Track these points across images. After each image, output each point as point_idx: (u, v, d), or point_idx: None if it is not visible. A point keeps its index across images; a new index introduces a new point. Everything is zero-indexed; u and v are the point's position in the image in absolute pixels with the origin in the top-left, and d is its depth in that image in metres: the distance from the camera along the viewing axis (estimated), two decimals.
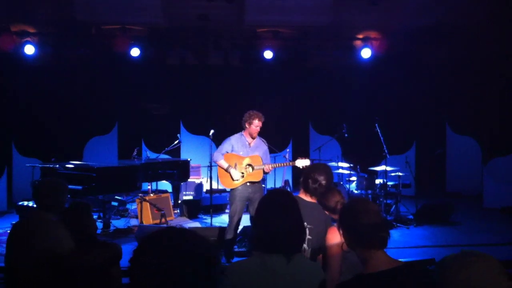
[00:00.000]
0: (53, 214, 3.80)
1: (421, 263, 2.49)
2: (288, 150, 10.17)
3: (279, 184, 10.63)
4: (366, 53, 10.53)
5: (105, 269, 3.79)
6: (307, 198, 3.76)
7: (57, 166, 7.99)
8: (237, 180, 6.37)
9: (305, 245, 3.63)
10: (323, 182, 3.71)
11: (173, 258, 1.50)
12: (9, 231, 3.91)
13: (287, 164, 6.85)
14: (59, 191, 3.87)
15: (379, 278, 2.35)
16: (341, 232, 2.63)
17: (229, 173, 6.39)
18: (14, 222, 4.04)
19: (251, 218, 6.55)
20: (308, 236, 3.62)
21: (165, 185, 10.18)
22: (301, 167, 6.21)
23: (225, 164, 6.40)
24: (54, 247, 3.55)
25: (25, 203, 7.95)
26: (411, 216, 8.82)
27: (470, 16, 8.99)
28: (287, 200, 2.75)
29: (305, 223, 3.60)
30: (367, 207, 2.56)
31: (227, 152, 6.49)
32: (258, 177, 6.48)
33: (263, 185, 9.86)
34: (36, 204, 3.85)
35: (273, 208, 2.66)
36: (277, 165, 6.76)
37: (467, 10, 8.71)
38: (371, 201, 5.72)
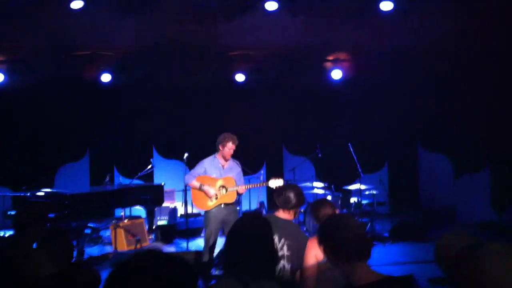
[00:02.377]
0: (32, 240, 3.79)
1: (403, 278, 2.50)
2: (262, 172, 10.17)
3: (254, 205, 10.60)
4: (336, 74, 10.67)
5: None
6: (284, 215, 3.86)
7: (28, 194, 7.84)
8: (213, 196, 6.35)
9: (284, 262, 3.65)
10: (294, 198, 3.90)
11: (149, 282, 1.47)
12: None
13: (261, 184, 6.88)
14: (38, 217, 3.87)
15: None
16: (322, 248, 2.63)
17: (204, 191, 6.36)
18: None
19: None
20: (286, 253, 3.66)
21: (139, 211, 10.05)
22: (274, 188, 6.22)
23: (197, 184, 6.40)
24: (34, 273, 3.51)
25: None
26: (386, 234, 8.87)
27: (440, 38, 9.19)
28: (258, 225, 2.76)
29: (283, 239, 3.66)
30: (346, 221, 2.58)
31: (199, 175, 6.48)
32: (232, 199, 6.48)
33: (238, 208, 9.87)
34: (15, 230, 3.83)
35: (244, 233, 2.68)
36: (251, 185, 6.78)
37: (437, 32, 8.90)
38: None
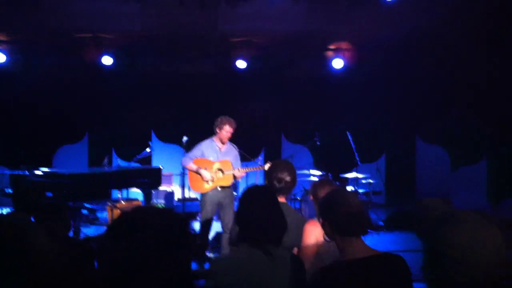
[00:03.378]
0: (30, 215, 3.81)
1: (394, 256, 2.57)
2: (260, 158, 10.18)
3: None
4: (337, 63, 10.68)
5: (81, 270, 3.76)
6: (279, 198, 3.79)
7: (27, 173, 7.86)
8: (209, 180, 6.38)
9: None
10: (287, 178, 3.68)
11: (145, 232, 1.47)
12: None
13: (258, 168, 6.87)
14: (36, 191, 3.90)
15: (356, 265, 2.41)
16: (320, 222, 2.68)
17: (200, 174, 6.41)
18: None
19: (222, 224, 6.57)
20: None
21: (136, 193, 10.08)
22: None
23: (193, 167, 6.44)
24: (31, 247, 3.53)
25: None
26: (381, 223, 8.93)
27: (440, 29, 9.20)
28: (266, 194, 2.84)
29: None
30: (345, 197, 2.64)
31: (196, 157, 6.52)
32: (228, 182, 6.52)
33: (235, 193, 9.93)
34: (13, 205, 3.85)
35: (254, 202, 2.76)
36: (247, 169, 6.80)
37: (438, 23, 8.89)
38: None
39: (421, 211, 2.67)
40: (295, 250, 3.59)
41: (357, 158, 8.80)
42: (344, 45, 10.84)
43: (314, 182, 4.12)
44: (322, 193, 3.80)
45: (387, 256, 2.55)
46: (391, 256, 2.58)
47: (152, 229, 1.48)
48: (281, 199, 3.69)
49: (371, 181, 9.07)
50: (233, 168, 6.51)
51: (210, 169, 6.45)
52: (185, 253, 1.53)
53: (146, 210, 1.62)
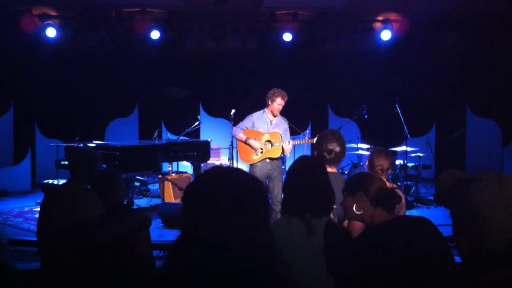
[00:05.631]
0: (86, 183, 3.92)
1: (418, 217, 2.68)
2: (307, 131, 10.19)
3: None
4: (386, 35, 10.43)
5: (134, 236, 3.86)
6: (328, 168, 3.77)
7: (81, 145, 8.09)
8: (258, 150, 6.42)
9: (331, 215, 3.65)
10: (337, 149, 3.65)
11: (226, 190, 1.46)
12: (42, 201, 4.01)
13: (305, 141, 6.87)
14: (92, 160, 4.00)
15: (388, 226, 2.45)
16: (358, 194, 2.69)
17: (249, 144, 6.45)
18: (41, 199, 4.10)
19: (271, 196, 6.58)
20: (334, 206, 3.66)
21: (185, 167, 10.26)
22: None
23: (243, 137, 6.50)
24: (85, 214, 3.67)
25: (50, 181, 8.09)
26: (431, 197, 8.82)
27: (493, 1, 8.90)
28: (316, 166, 2.83)
29: None
30: (373, 180, 2.66)
31: (247, 128, 6.56)
32: (276, 154, 6.53)
33: (283, 166, 9.95)
34: (70, 172, 3.98)
35: (302, 173, 2.76)
36: (296, 142, 6.79)
37: None
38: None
39: (442, 181, 2.66)
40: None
41: (407, 131, 8.67)
42: (392, 16, 10.59)
43: (372, 149, 4.14)
44: (378, 161, 3.82)
45: (411, 216, 2.69)
46: (413, 217, 2.66)
47: (237, 185, 1.49)
48: (332, 169, 3.69)
49: (420, 154, 8.93)
50: (282, 140, 6.53)
51: (259, 140, 6.50)
52: (265, 211, 1.54)
53: (231, 168, 1.62)
